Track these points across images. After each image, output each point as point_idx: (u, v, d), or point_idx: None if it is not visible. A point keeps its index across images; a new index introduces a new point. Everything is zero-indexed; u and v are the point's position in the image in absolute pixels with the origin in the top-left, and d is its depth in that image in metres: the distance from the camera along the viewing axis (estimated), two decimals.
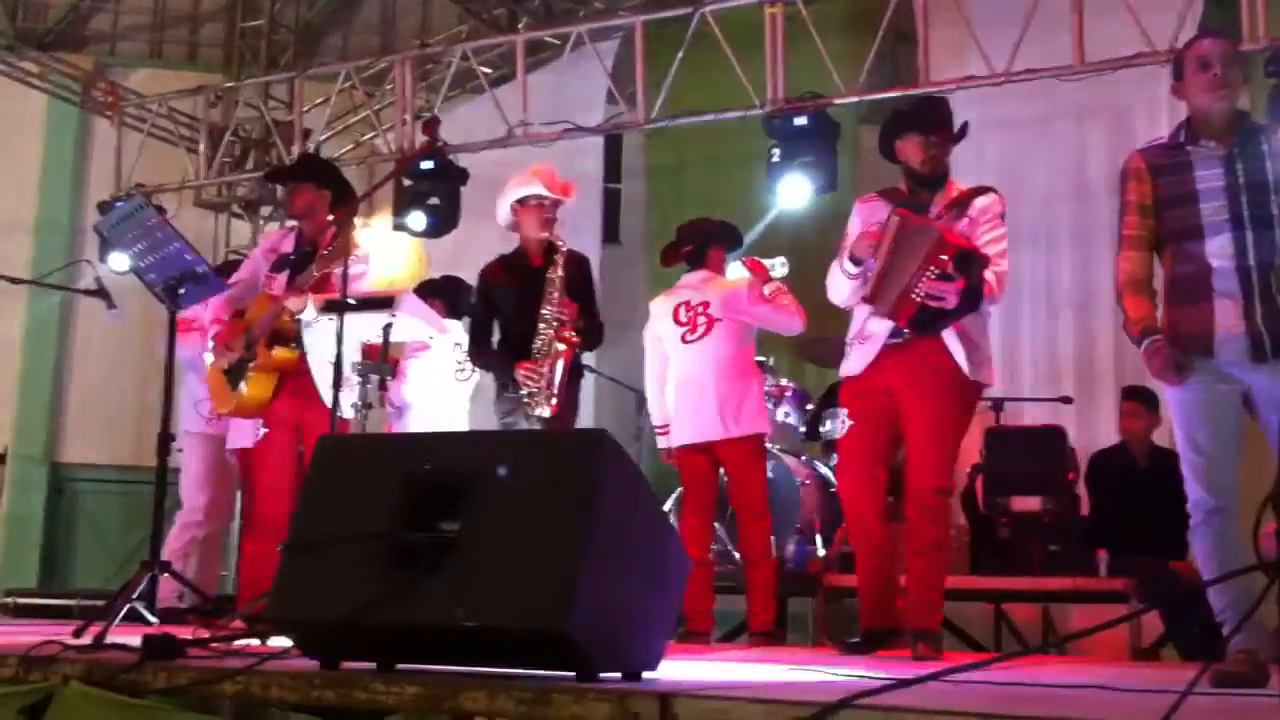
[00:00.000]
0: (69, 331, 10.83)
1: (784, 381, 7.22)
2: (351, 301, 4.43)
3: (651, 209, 10.50)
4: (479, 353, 5.56)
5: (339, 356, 4.36)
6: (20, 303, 10.33)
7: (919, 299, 4.44)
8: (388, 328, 4.62)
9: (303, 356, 5.61)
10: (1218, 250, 3.61)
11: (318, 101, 10.04)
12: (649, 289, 8.06)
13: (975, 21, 7.49)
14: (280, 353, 5.57)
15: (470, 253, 9.50)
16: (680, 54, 8.13)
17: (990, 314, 4.77)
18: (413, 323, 4.70)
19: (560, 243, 5.55)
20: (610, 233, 10.51)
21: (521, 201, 5.54)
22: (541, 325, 5.30)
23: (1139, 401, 6.36)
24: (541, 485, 2.83)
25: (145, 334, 9.77)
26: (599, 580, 2.73)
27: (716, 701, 2.48)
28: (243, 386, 5.60)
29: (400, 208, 8.53)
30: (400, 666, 2.95)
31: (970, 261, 4.46)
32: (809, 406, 7.26)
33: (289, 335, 5.60)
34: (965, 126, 4.79)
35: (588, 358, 6.17)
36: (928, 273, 4.41)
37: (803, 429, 7.21)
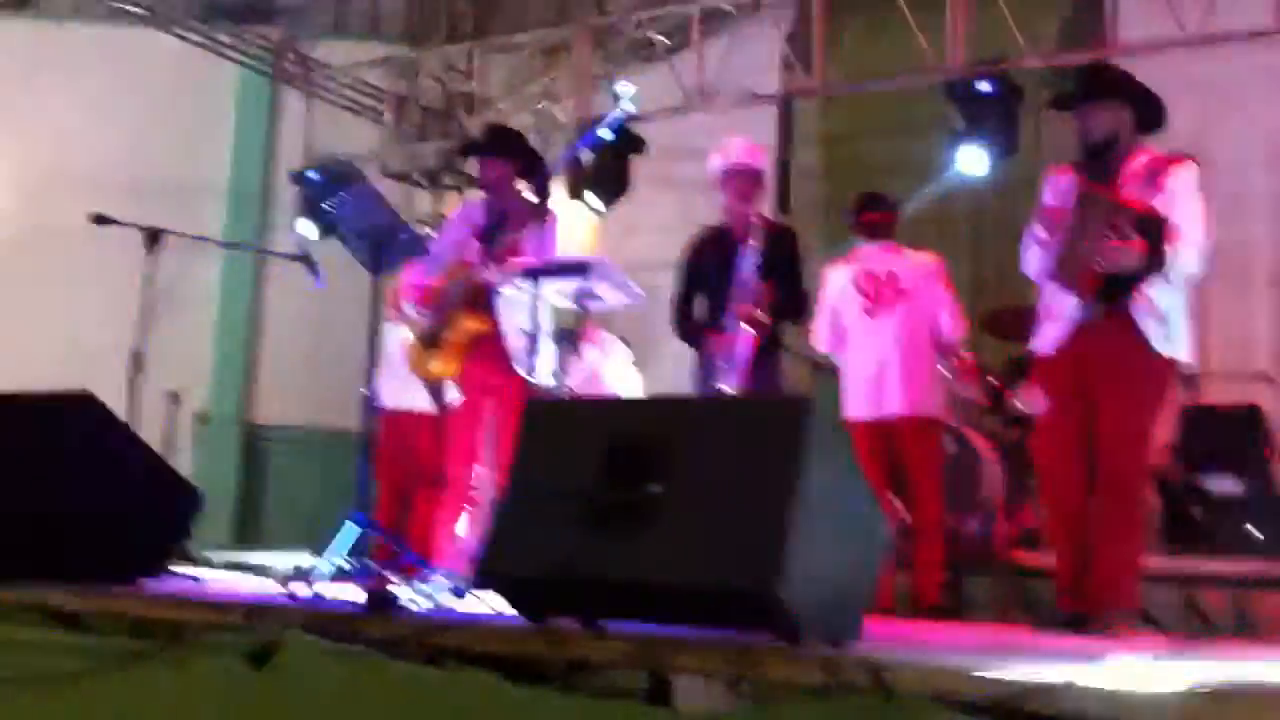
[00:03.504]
0: (262, 294, 11.23)
1: (965, 354, 7.11)
2: (550, 267, 4.52)
3: (826, 178, 10.42)
4: (679, 323, 5.60)
5: (535, 322, 4.45)
6: (214, 267, 10.76)
7: (1100, 268, 4.37)
8: (582, 293, 4.69)
9: (495, 323, 5.76)
10: None
11: (497, 72, 10.22)
12: (820, 258, 8.04)
13: None
14: (472, 320, 5.73)
15: (644, 221, 9.62)
16: (860, 19, 8.04)
17: (1185, 289, 4.64)
18: (608, 288, 4.76)
19: (756, 217, 5.53)
20: (784, 202, 10.48)
21: (728, 172, 5.55)
22: (730, 301, 5.31)
23: None
24: (744, 449, 2.87)
25: (337, 298, 10.14)
26: (805, 545, 2.77)
27: (930, 672, 2.50)
28: (438, 352, 5.77)
29: (576, 177, 8.63)
30: (602, 623, 3.03)
31: (1149, 224, 4.36)
32: (991, 380, 7.15)
33: (482, 302, 5.76)
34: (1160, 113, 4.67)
35: None
36: (1106, 238, 4.34)
37: (985, 402, 7.10)
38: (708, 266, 5.53)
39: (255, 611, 3.37)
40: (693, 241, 5.75)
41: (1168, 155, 4.66)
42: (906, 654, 2.73)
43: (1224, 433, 6.16)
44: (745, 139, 5.75)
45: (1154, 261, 4.36)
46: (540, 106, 10.55)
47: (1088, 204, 4.44)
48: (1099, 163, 4.62)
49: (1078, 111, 4.66)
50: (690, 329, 5.61)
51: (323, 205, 4.42)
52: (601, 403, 3.44)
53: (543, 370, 5.95)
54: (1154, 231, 4.36)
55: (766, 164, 5.59)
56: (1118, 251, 4.34)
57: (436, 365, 5.77)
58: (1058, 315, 4.62)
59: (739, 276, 5.38)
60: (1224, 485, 5.98)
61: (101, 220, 5.63)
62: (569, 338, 4.82)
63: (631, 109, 4.99)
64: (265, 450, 11.28)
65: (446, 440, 6.01)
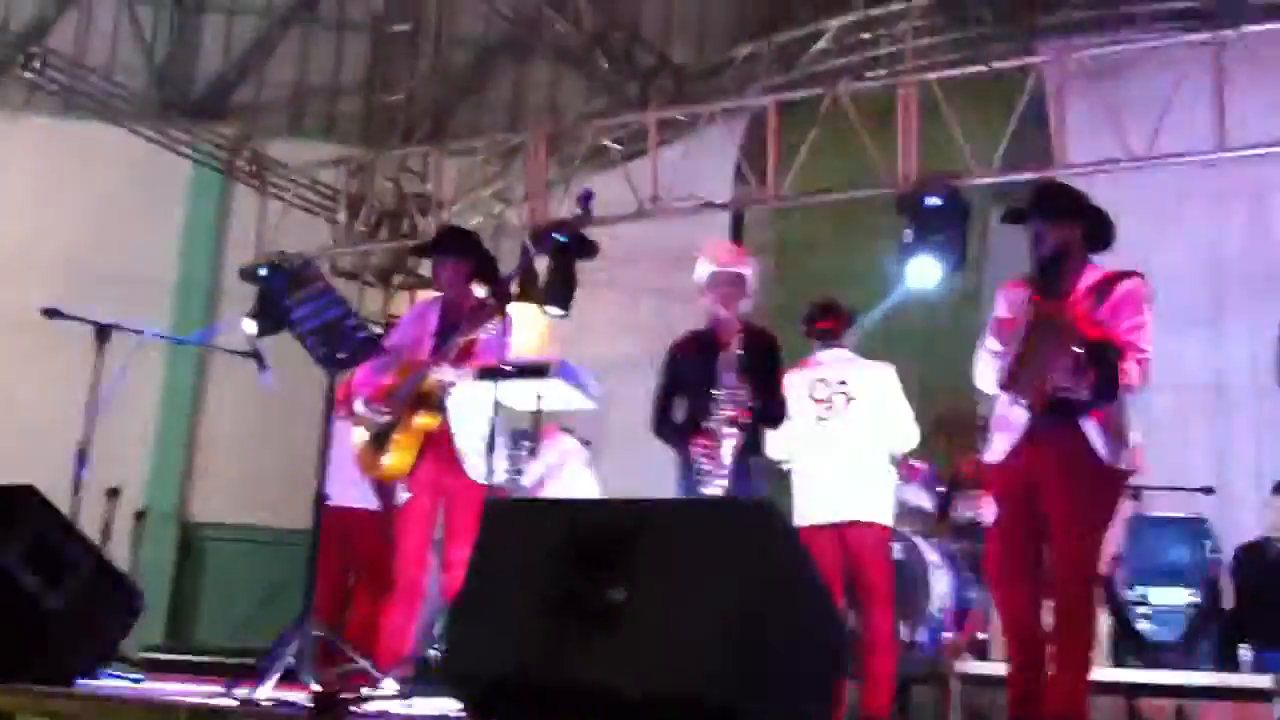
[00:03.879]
0: (204, 391, 11.14)
1: (915, 462, 7.15)
2: (508, 368, 4.51)
3: (775, 285, 10.52)
4: (659, 425, 5.58)
5: (493, 423, 4.43)
6: (157, 362, 10.65)
7: (1051, 389, 4.42)
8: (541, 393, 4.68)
9: (447, 422, 5.73)
10: None
11: (453, 175, 10.30)
12: None
13: (1112, 103, 7.46)
14: (423, 418, 5.69)
15: (592, 324, 9.66)
16: (813, 132, 8.19)
17: (1131, 400, 4.71)
18: (567, 390, 4.76)
19: (737, 320, 5.55)
20: None
21: (715, 276, 5.57)
22: (713, 405, 5.30)
23: None
24: (708, 553, 2.85)
25: (281, 396, 10.08)
26: (770, 654, 2.74)
27: None
28: (389, 451, 5.73)
29: (529, 280, 8.65)
30: None
31: (1103, 354, 4.43)
32: (940, 488, 7.19)
33: (435, 401, 5.73)
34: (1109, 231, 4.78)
35: None
36: (1060, 364, 4.40)
37: (933, 510, 7.13)
38: (690, 369, 5.51)
39: (199, 715, 3.28)
40: (675, 343, 5.75)
41: (1117, 271, 4.76)
42: None
43: (1171, 544, 6.21)
44: (728, 243, 5.77)
45: (1106, 392, 4.44)
46: (495, 210, 10.63)
47: (1042, 323, 4.50)
48: (1050, 278, 4.70)
49: (1030, 226, 4.75)
50: (671, 431, 5.58)
51: (279, 302, 4.38)
52: (564, 503, 3.42)
53: (495, 470, 5.92)
54: (1108, 361, 4.43)
55: (751, 269, 5.62)
56: (1072, 380, 4.41)
57: (387, 463, 5.72)
58: (1009, 425, 4.65)
59: (723, 380, 5.38)
60: (1170, 596, 6.00)
61: (52, 314, 5.57)
62: (525, 437, 4.78)
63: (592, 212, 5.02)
64: (202, 548, 11.10)
65: (395, 540, 5.94)
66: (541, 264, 8.79)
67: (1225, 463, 7.58)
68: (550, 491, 6.28)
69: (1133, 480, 5.87)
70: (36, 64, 10.07)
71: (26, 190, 10.86)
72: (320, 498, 4.64)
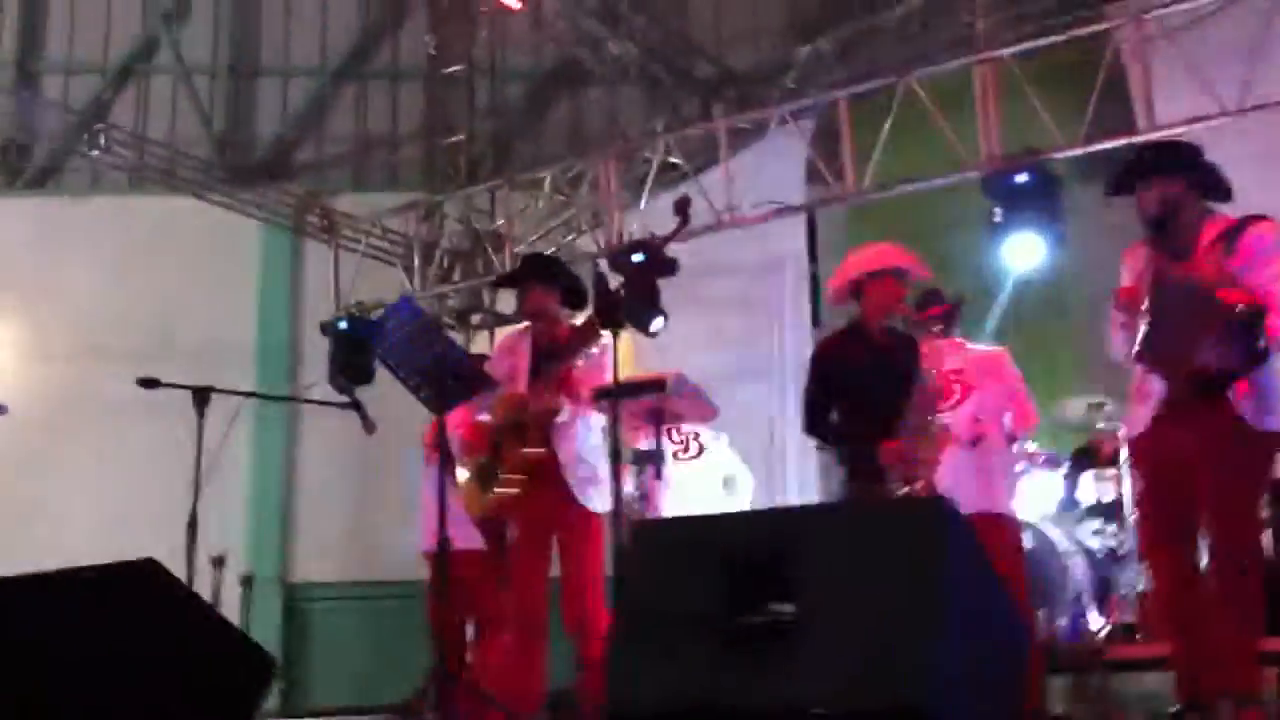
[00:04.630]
0: (294, 452, 11.11)
1: (1034, 448, 6.92)
2: (624, 387, 4.36)
3: None
4: (820, 427, 5.41)
5: (616, 444, 4.28)
6: (246, 426, 10.61)
7: (1198, 364, 4.18)
8: (659, 412, 4.53)
9: (552, 453, 5.60)
10: None
11: (522, 208, 10.22)
12: None
13: (1195, 60, 7.21)
14: (531, 451, 5.57)
15: (672, 343, 9.52)
16: (887, 124, 8.00)
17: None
18: (685, 404, 4.60)
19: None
20: (816, 315, 10.38)
21: (875, 275, 5.41)
22: (911, 408, 5.14)
23: None
24: (881, 558, 2.68)
25: (364, 449, 10.04)
26: (957, 655, 2.56)
27: None
28: (495, 488, 5.61)
29: (609, 304, 8.51)
30: None
31: (1250, 322, 4.16)
32: (1062, 472, 6.95)
33: (536, 432, 5.60)
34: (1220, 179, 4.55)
35: None
36: (1202, 336, 4.16)
37: (1061, 494, 6.90)
38: (851, 372, 5.34)
39: None
40: (827, 344, 5.58)
41: (1243, 218, 4.51)
42: None
43: None
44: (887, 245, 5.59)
45: (1257, 359, 4.19)
46: (566, 239, 10.52)
47: (1169, 288, 4.27)
48: (1166, 236, 4.48)
49: (1136, 192, 4.55)
50: (844, 433, 5.38)
51: (378, 347, 4.27)
52: (716, 518, 3.26)
53: (607, 497, 5.77)
54: (1256, 328, 4.18)
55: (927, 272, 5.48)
56: (1216, 354, 4.16)
57: (493, 500, 5.61)
58: (1148, 396, 4.45)
59: (917, 384, 5.23)
60: None
61: (148, 384, 5.49)
62: (648, 458, 4.62)
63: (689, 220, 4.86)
64: (309, 609, 11.04)
65: (512, 578, 5.81)
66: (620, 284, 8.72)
67: None
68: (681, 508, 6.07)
69: None
70: (101, 141, 10.11)
71: (103, 268, 10.92)
72: (444, 542, 4.50)
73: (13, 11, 11.51)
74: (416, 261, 10.22)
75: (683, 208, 4.75)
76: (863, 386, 5.18)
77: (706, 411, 4.97)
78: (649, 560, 2.96)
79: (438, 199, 10.56)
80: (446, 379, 4.37)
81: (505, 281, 5.87)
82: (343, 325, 9.53)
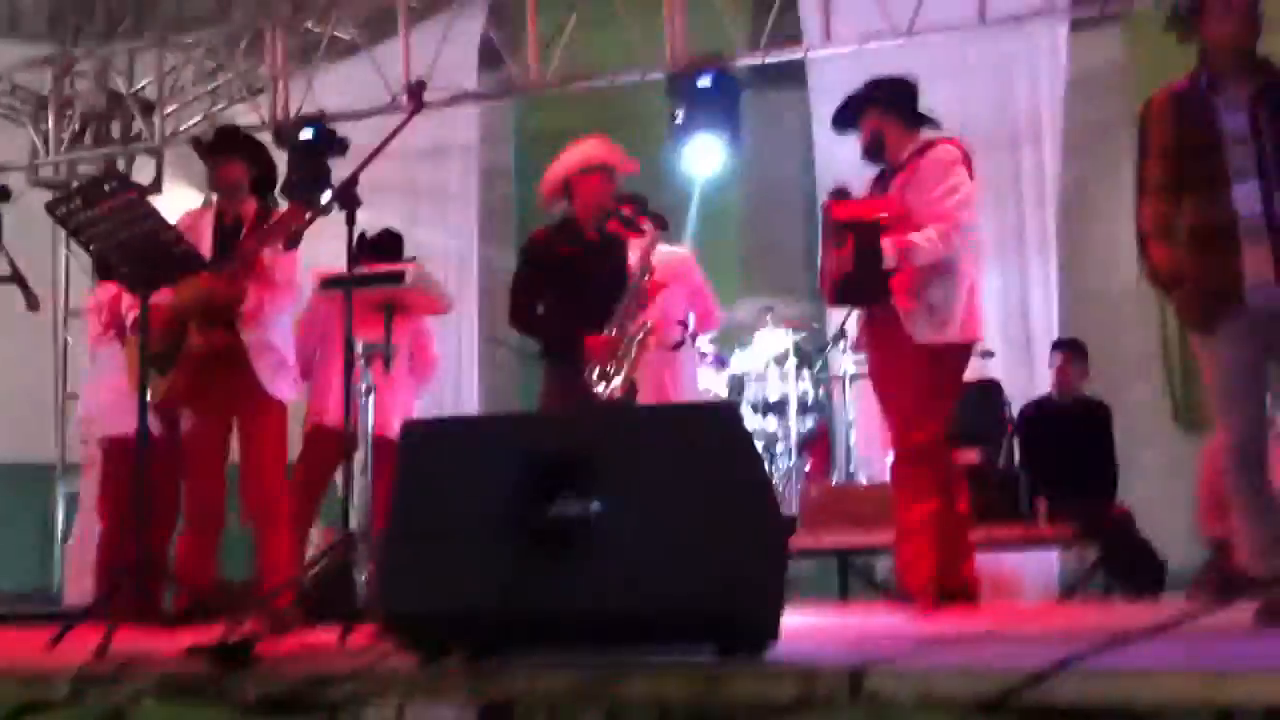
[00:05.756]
0: None
1: (708, 348, 7.19)
2: (359, 275, 4.16)
3: (520, 179, 10.26)
4: (528, 320, 5.30)
5: (349, 336, 4.07)
6: None
7: (829, 275, 4.78)
8: (390, 305, 4.35)
9: (237, 338, 5.34)
10: (1244, 197, 3.68)
11: (168, 70, 9.51)
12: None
13: None
14: (216, 336, 5.28)
15: (329, 229, 9.16)
16: (573, 17, 7.96)
17: (958, 271, 4.80)
18: (418, 297, 4.44)
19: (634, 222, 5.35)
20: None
21: (585, 171, 5.30)
22: (621, 306, 5.10)
23: (1069, 352, 6.55)
24: (673, 460, 2.69)
25: (13, 322, 9.14)
26: (742, 553, 2.63)
27: (913, 674, 2.40)
28: (171, 373, 5.29)
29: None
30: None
31: (856, 231, 4.62)
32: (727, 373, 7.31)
33: (221, 316, 5.31)
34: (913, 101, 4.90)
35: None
36: (831, 250, 4.72)
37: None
38: (561, 265, 5.27)
39: (86, 680, 2.89)
40: (536, 238, 5.47)
41: (930, 139, 4.86)
42: (888, 655, 2.62)
43: (964, 407, 6.41)
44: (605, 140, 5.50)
45: (867, 263, 4.58)
46: (218, 108, 9.88)
47: (824, 218, 4.87)
48: (882, 163, 4.85)
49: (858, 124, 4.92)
50: (550, 326, 5.31)
51: (67, 221, 3.86)
52: (507, 418, 3.16)
53: (293, 385, 5.58)
54: (865, 236, 4.59)
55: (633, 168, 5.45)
56: (835, 259, 4.71)
57: (170, 386, 5.31)
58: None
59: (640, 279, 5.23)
60: (968, 457, 6.21)
61: None
62: (376, 352, 4.43)
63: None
64: None
65: (186, 467, 5.54)
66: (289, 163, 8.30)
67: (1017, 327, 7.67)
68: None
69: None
70: None
71: None
72: (143, 425, 4.19)
73: None
74: (50, 122, 9.34)
75: (417, 92, 4.53)
76: (573, 280, 5.20)
77: (439, 305, 4.81)
78: (426, 459, 2.85)
79: (74, 52, 9.65)
80: (155, 260, 4.02)
81: (200, 150, 5.51)
82: None
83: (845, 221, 4.66)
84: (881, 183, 4.85)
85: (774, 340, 7.28)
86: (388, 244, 5.74)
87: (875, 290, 4.67)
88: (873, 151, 4.88)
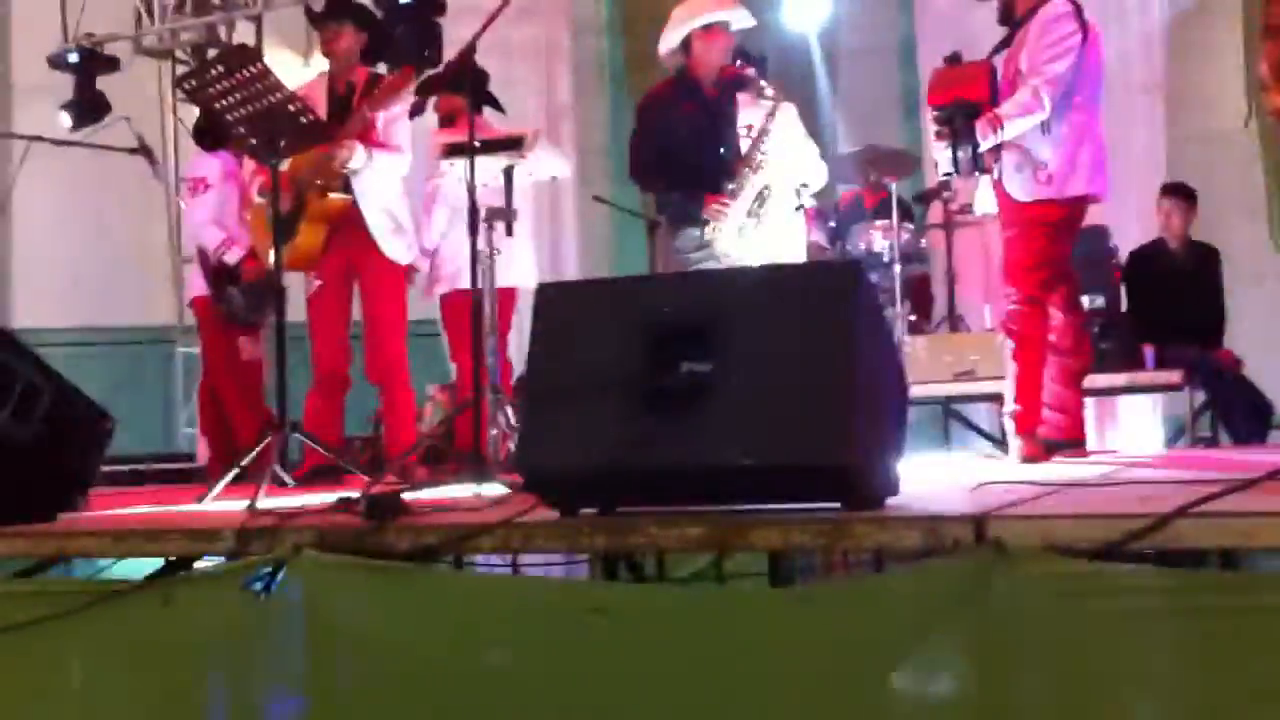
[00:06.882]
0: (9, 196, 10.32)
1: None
2: (479, 143, 4.25)
3: (613, 32, 10.17)
4: (651, 176, 5.37)
5: (473, 202, 4.18)
6: None
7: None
8: (510, 170, 4.45)
9: (354, 203, 5.48)
10: None
11: None
12: None
13: None
14: (335, 200, 5.42)
15: None
16: None
17: (1050, 128, 4.78)
18: (543, 163, 4.55)
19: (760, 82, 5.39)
20: None
21: (706, 29, 5.33)
22: (745, 168, 5.16)
23: (1179, 197, 6.48)
24: (796, 320, 2.78)
25: (84, 194, 9.44)
26: (865, 411, 2.73)
27: (1035, 520, 2.50)
28: (294, 237, 5.45)
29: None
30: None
31: (955, 112, 4.70)
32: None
33: (338, 182, 5.45)
34: None
35: None
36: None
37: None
38: (681, 122, 5.31)
39: (249, 534, 3.09)
40: (656, 94, 5.53)
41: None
42: (1009, 504, 2.72)
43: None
44: None
45: (964, 143, 4.72)
46: None
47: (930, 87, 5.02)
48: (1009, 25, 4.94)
49: None
50: (672, 183, 5.39)
51: (196, 92, 3.98)
52: (628, 282, 3.27)
53: (410, 248, 5.71)
54: (963, 117, 4.73)
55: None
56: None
57: (293, 250, 5.48)
58: None
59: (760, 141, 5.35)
60: None
61: None
62: (499, 215, 4.54)
63: None
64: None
65: (314, 329, 5.73)
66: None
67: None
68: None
69: None
70: None
71: None
72: (279, 292, 4.36)
73: None
74: None
75: None
76: (694, 137, 5.25)
77: (558, 168, 4.91)
78: (558, 322, 2.97)
79: None
80: (284, 130, 4.14)
81: (314, 19, 5.59)
82: (73, 58, 8.84)
83: (944, 106, 4.73)
84: (1007, 43, 4.84)
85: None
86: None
87: (974, 166, 4.76)
88: (1005, 14, 4.88)
